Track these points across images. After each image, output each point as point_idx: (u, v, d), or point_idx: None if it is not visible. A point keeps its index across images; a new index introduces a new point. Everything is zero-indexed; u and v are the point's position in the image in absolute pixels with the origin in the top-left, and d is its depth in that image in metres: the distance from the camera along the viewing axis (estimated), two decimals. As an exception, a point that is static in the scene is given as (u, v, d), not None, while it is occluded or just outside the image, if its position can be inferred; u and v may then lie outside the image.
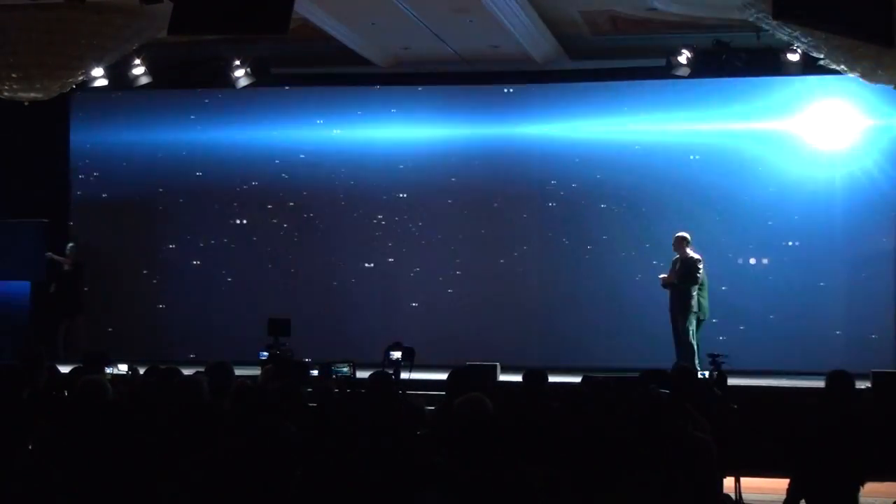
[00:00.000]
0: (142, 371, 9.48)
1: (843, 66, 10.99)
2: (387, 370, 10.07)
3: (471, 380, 7.27)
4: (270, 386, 7.28)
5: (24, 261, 15.22)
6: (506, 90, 15.43)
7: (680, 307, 12.84)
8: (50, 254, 15.23)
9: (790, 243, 14.58)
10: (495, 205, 15.41)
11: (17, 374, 7.03)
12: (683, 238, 13.01)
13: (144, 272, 16.17)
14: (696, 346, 12.74)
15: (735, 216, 14.70)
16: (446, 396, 7.07)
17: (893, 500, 5.95)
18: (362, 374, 8.94)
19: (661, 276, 13.02)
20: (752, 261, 14.56)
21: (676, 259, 13.04)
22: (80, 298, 15.35)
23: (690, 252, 12.94)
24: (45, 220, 15.42)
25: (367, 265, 15.66)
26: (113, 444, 5.31)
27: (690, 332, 12.77)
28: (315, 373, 9.90)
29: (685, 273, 12.86)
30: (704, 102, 14.80)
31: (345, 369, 10.05)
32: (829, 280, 14.49)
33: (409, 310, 15.43)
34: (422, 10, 12.89)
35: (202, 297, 15.80)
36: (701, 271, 12.86)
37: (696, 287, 12.84)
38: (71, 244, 15.38)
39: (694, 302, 12.81)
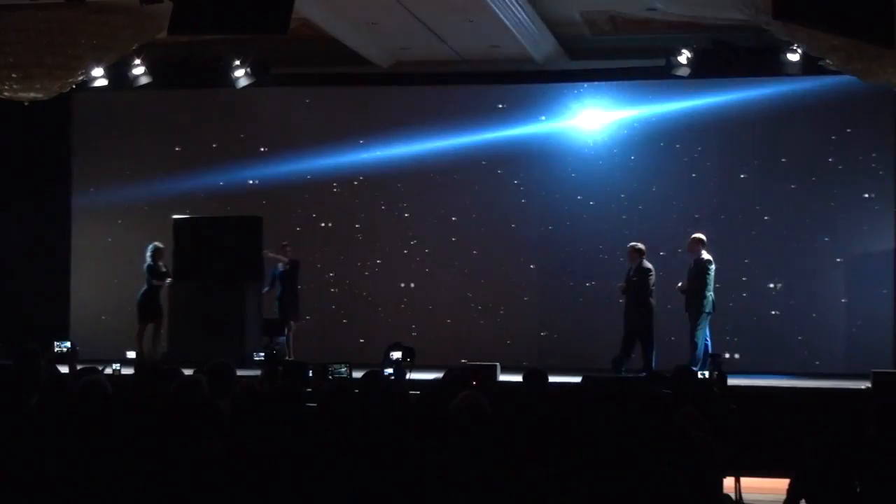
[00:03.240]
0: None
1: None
2: (387, 370, 10.12)
3: (466, 380, 7.29)
4: (270, 386, 7.27)
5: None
6: (506, 90, 15.44)
7: (694, 309, 12.84)
8: (266, 251, 14.68)
9: (790, 241, 14.58)
10: (495, 204, 15.41)
11: (12, 373, 7.02)
12: (700, 240, 13.00)
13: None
14: (700, 346, 12.74)
15: (735, 216, 14.71)
16: (438, 396, 7.07)
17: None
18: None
19: (678, 285, 13.06)
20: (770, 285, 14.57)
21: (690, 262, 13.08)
22: (298, 300, 14.65)
23: (704, 254, 12.94)
24: (259, 217, 14.98)
25: (366, 265, 15.66)
26: (113, 444, 5.31)
27: (699, 334, 12.77)
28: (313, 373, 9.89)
29: (697, 275, 12.86)
30: (704, 102, 14.82)
31: (342, 370, 10.05)
32: (829, 280, 14.49)
33: (410, 310, 15.42)
34: (422, 10, 12.89)
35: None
36: (711, 273, 12.85)
37: (709, 288, 12.84)
38: (285, 242, 14.70)
39: (707, 303, 12.81)
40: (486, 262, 15.38)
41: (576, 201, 15.20)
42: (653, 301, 12.99)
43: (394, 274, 15.60)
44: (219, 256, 14.45)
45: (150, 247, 14.41)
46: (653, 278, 12.99)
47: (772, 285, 14.56)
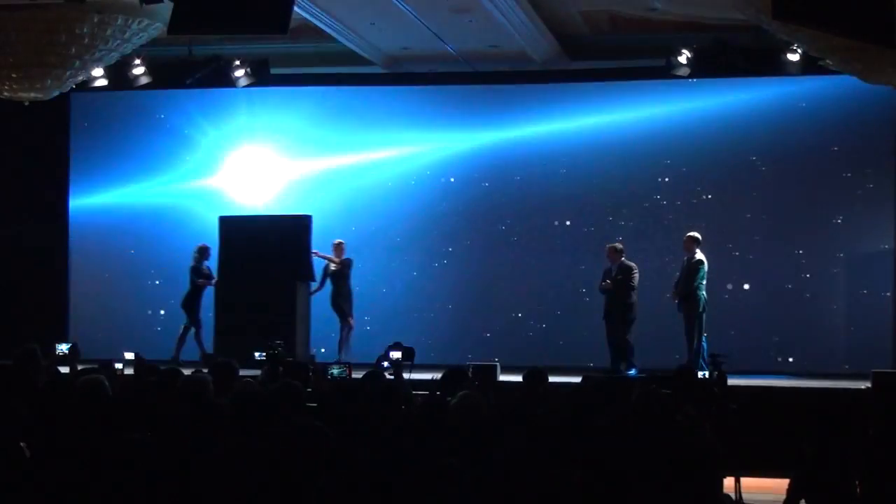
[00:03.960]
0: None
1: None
2: (386, 370, 10.12)
3: (464, 379, 7.30)
4: (270, 386, 7.27)
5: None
6: (506, 90, 15.43)
7: (687, 309, 12.85)
8: (315, 251, 14.34)
9: (791, 242, 14.59)
10: (495, 205, 15.40)
11: (10, 373, 7.02)
12: (695, 238, 13.03)
13: (151, 272, 16.15)
14: (698, 346, 12.75)
15: (734, 215, 14.72)
16: (438, 395, 7.08)
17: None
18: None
19: (668, 295, 13.13)
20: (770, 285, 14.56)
21: (684, 261, 13.10)
22: (346, 301, 14.25)
23: (698, 253, 12.95)
24: (309, 215, 14.63)
25: (366, 265, 15.66)
26: (114, 444, 5.31)
27: (696, 334, 12.78)
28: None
29: (689, 274, 12.87)
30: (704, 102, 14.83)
31: (342, 370, 10.05)
32: (829, 280, 14.49)
33: (410, 310, 15.41)
34: (422, 10, 12.90)
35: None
36: (703, 273, 12.87)
37: (701, 288, 12.84)
38: (339, 240, 14.37)
39: (699, 302, 12.81)
40: (485, 262, 15.36)
41: (576, 201, 15.19)
42: (635, 299, 13.06)
43: (393, 274, 15.58)
44: (267, 255, 14.16)
45: (196, 247, 14.29)
46: (637, 276, 13.05)
47: (771, 285, 14.55)
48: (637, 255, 13.79)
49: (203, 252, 14.35)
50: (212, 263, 14.54)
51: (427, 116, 15.59)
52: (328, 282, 14.30)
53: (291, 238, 14.34)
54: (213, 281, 14.37)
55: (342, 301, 14.20)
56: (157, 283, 16.12)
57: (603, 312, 13.24)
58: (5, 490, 5.26)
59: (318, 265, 14.40)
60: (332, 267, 14.25)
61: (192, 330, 14.25)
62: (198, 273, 14.29)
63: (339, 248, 14.29)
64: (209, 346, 14.11)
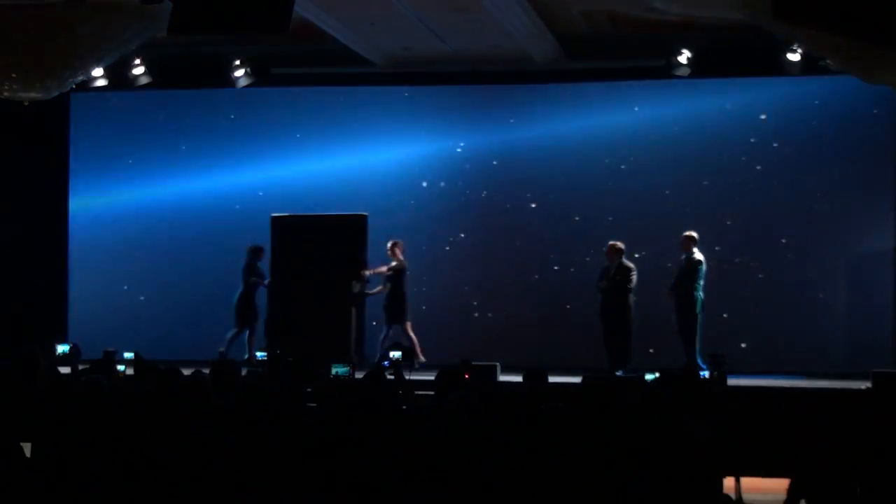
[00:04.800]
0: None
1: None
2: (386, 370, 10.14)
3: (459, 379, 7.31)
4: (270, 385, 7.28)
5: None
6: (506, 90, 15.43)
7: (684, 309, 12.86)
8: (366, 271, 14.13)
9: (790, 241, 14.59)
10: (494, 205, 15.40)
11: (10, 373, 7.02)
12: (692, 238, 13.06)
13: (152, 272, 16.14)
14: (696, 346, 12.76)
15: (734, 215, 14.72)
16: (435, 396, 7.10)
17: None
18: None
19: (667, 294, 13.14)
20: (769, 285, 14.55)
21: (682, 260, 13.12)
22: (398, 304, 14.08)
23: (696, 253, 12.97)
24: (365, 214, 14.53)
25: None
26: (114, 444, 5.31)
27: (693, 335, 12.79)
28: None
29: (687, 274, 12.88)
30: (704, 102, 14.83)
31: (344, 369, 10.06)
32: (828, 280, 14.49)
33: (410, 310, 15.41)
34: (422, 10, 12.89)
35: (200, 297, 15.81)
36: (701, 273, 12.87)
37: (699, 288, 12.85)
38: (396, 240, 14.18)
39: (696, 302, 12.83)
40: (486, 262, 15.36)
41: (576, 201, 15.19)
42: (632, 300, 13.05)
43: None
44: (322, 255, 14.04)
45: (249, 246, 14.08)
46: (635, 277, 13.04)
47: (771, 285, 14.55)
48: (639, 255, 13.81)
49: (256, 252, 14.14)
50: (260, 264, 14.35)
51: (426, 116, 15.59)
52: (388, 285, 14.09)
53: (347, 237, 14.20)
54: (266, 282, 14.15)
55: (386, 305, 14.00)
56: (157, 282, 16.13)
57: (599, 312, 13.22)
58: (5, 490, 5.27)
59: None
60: (389, 272, 14.08)
61: (246, 332, 13.97)
62: (251, 273, 14.05)
63: (396, 247, 14.08)
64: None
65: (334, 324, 13.63)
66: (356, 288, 14.11)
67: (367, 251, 14.34)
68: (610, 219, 15.00)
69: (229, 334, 14.09)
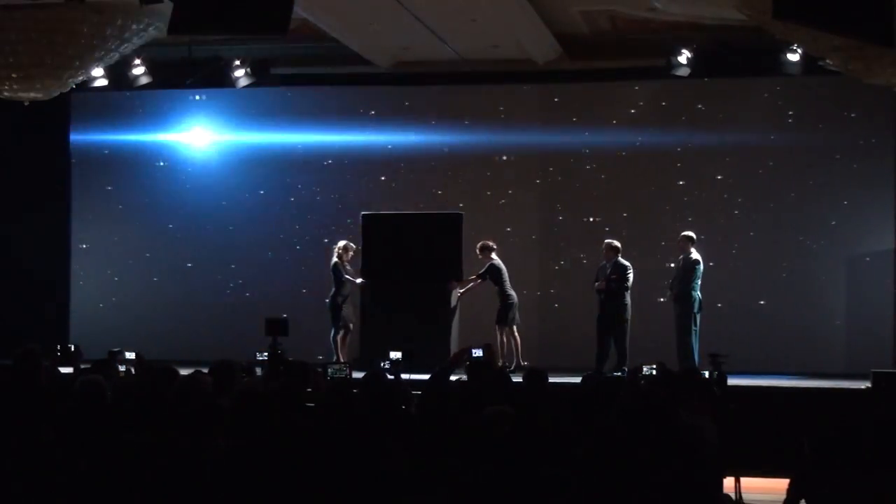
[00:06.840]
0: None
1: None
2: (386, 371, 10.13)
3: (449, 373, 7.35)
4: (270, 386, 7.28)
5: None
6: (506, 90, 15.44)
7: (681, 309, 12.87)
8: (457, 290, 13.80)
9: (790, 242, 14.59)
10: (495, 205, 15.41)
11: (10, 373, 7.02)
12: (689, 238, 13.08)
13: (152, 271, 16.15)
14: (695, 346, 12.76)
15: (734, 215, 14.73)
16: (425, 396, 7.10)
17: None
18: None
19: (666, 294, 13.17)
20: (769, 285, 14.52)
21: (679, 260, 13.13)
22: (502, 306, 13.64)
23: (694, 253, 12.98)
24: (461, 213, 14.32)
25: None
26: (114, 444, 5.31)
27: (692, 335, 12.79)
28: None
29: (685, 274, 12.90)
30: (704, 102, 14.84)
31: (343, 370, 10.06)
32: (829, 280, 14.49)
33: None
34: (422, 10, 12.89)
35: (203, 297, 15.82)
36: (699, 273, 12.89)
37: (696, 288, 12.87)
38: (488, 241, 13.78)
39: (694, 302, 12.84)
40: (484, 262, 15.34)
41: (576, 201, 15.20)
42: (628, 299, 13.05)
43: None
44: (416, 254, 13.85)
45: (339, 244, 13.82)
46: (631, 276, 13.04)
47: (771, 285, 14.55)
48: (640, 255, 13.81)
49: (347, 249, 13.88)
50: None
51: (426, 116, 15.59)
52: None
53: (441, 236, 14.03)
54: (359, 281, 13.92)
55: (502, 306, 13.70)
56: (156, 281, 16.13)
57: (597, 312, 13.20)
58: (5, 490, 5.27)
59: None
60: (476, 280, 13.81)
61: (337, 331, 13.71)
62: (342, 271, 13.78)
63: (487, 248, 13.75)
64: (354, 349, 13.70)
65: (436, 324, 13.45)
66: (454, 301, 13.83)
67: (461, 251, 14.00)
68: (609, 218, 14.99)
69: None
